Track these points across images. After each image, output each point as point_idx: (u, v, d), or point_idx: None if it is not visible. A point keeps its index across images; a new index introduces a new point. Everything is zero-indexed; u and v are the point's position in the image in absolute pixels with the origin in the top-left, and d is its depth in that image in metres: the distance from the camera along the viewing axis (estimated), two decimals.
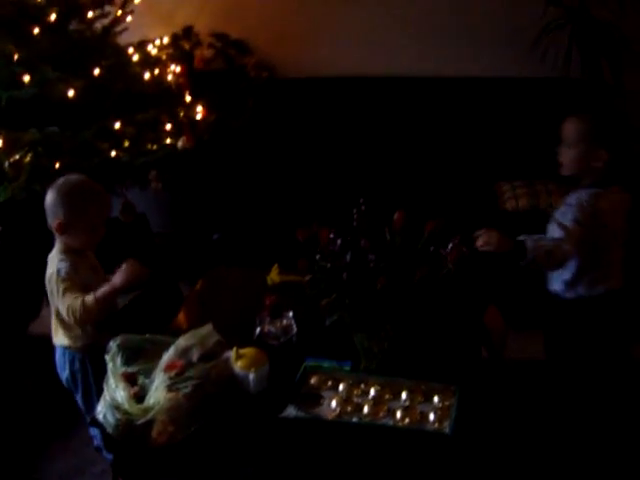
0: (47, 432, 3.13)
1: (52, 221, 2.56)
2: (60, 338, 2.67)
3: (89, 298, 2.44)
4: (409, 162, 3.81)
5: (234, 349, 2.25)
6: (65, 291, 2.48)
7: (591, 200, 2.69)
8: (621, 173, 2.79)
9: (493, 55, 4.21)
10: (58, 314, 2.60)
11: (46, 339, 3.60)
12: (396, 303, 2.03)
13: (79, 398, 2.66)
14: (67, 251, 2.58)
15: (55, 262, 2.55)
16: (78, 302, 2.44)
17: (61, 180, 2.61)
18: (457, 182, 3.84)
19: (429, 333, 2.31)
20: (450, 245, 2.08)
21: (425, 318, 2.16)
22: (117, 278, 2.47)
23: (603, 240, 2.71)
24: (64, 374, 2.71)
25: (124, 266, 2.48)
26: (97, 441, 2.85)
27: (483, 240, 2.53)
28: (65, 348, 2.67)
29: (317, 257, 2.09)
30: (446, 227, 2.21)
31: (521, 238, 2.64)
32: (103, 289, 2.46)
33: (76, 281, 2.52)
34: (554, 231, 2.71)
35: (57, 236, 2.60)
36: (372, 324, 2.13)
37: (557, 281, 2.80)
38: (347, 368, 2.29)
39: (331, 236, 2.10)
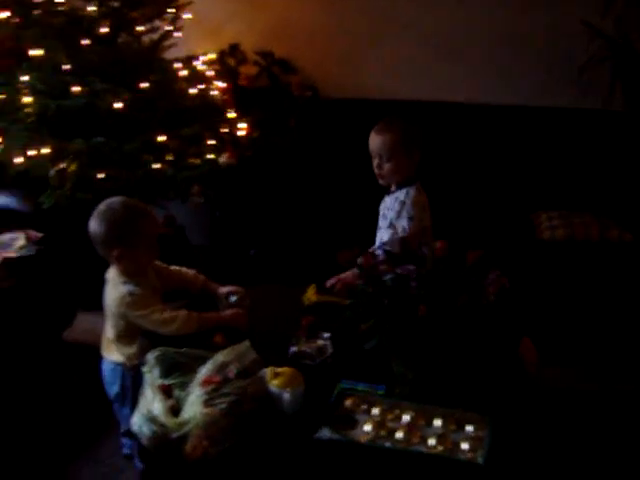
0: (76, 439, 3.14)
1: (106, 252, 2.57)
2: (113, 354, 2.71)
3: (194, 314, 2.58)
4: (448, 189, 3.81)
5: (270, 368, 2.27)
6: (147, 306, 2.56)
7: (416, 194, 2.93)
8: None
9: (536, 84, 4.21)
10: (118, 332, 2.65)
11: (80, 346, 3.66)
12: (436, 331, 2.04)
13: (126, 412, 2.68)
14: (128, 274, 2.61)
15: (118, 286, 2.59)
16: (182, 314, 2.57)
17: (105, 207, 2.58)
18: (495, 210, 3.83)
19: (465, 362, 2.31)
20: (491, 277, 2.09)
21: (462, 347, 2.16)
22: (227, 315, 2.69)
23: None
24: (113, 388, 2.73)
25: (235, 309, 2.71)
26: (127, 450, 2.90)
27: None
28: (117, 364, 2.70)
29: (359, 281, 2.11)
30: (485, 257, 2.23)
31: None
32: (210, 314, 2.67)
33: (150, 296, 2.61)
34: (399, 226, 2.90)
35: (109, 260, 2.62)
36: (409, 350, 2.14)
37: None
38: (381, 392, 2.30)
39: (374, 261, 2.12)
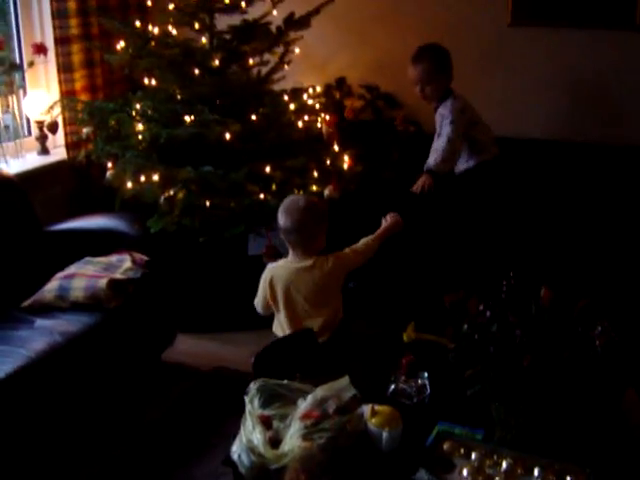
0: (170, 460, 3.16)
1: (313, 239, 2.98)
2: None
3: (368, 238, 3.13)
4: (555, 232, 3.74)
5: (370, 406, 2.28)
6: (349, 251, 3.07)
7: (453, 102, 3.81)
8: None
9: None
10: (338, 302, 3.07)
11: (179, 367, 3.73)
12: (540, 381, 2.02)
13: None
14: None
15: (327, 261, 2.99)
16: (363, 240, 3.11)
17: (309, 202, 3.00)
18: (601, 259, 3.72)
19: (568, 413, 2.27)
20: (599, 328, 2.06)
21: (566, 398, 2.13)
22: (389, 225, 3.19)
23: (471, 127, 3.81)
24: None
25: (389, 217, 3.21)
26: None
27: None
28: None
29: (465, 327, 2.11)
30: (592, 307, 2.19)
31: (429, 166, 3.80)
32: (378, 232, 3.16)
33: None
34: (444, 132, 3.80)
35: (307, 247, 2.98)
36: (512, 399, 2.12)
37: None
38: (479, 437, 2.29)
39: (480, 308, 2.12)
